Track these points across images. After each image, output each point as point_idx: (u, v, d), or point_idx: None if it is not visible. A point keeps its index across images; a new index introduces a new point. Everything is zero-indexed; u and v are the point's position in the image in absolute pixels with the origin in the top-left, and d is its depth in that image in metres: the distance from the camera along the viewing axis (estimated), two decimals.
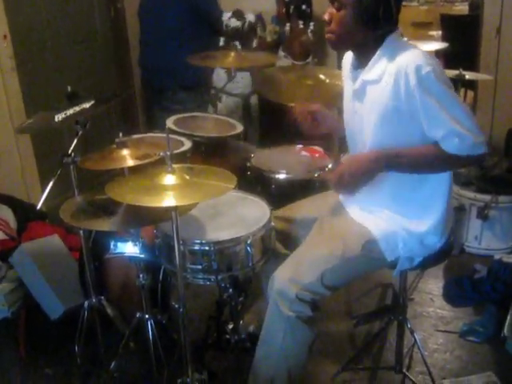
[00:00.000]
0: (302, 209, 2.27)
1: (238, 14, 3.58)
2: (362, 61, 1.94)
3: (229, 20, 3.54)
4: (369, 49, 1.88)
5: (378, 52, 1.86)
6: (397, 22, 1.86)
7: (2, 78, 3.23)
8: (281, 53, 4.02)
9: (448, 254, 2.12)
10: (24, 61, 3.47)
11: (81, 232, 2.26)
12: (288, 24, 3.90)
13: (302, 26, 3.83)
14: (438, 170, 1.92)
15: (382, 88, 1.84)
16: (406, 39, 1.99)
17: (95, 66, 4.21)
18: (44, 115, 2.27)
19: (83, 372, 2.38)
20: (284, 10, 3.85)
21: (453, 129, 1.76)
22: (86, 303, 2.34)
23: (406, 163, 1.86)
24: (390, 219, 2.00)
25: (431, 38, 5.65)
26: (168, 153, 1.72)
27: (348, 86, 2.04)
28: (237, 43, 3.38)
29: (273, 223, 2.13)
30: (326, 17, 1.88)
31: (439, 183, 1.96)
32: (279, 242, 2.21)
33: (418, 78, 1.74)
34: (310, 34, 3.90)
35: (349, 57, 2.05)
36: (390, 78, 1.81)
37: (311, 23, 3.86)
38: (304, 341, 1.99)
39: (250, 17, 3.60)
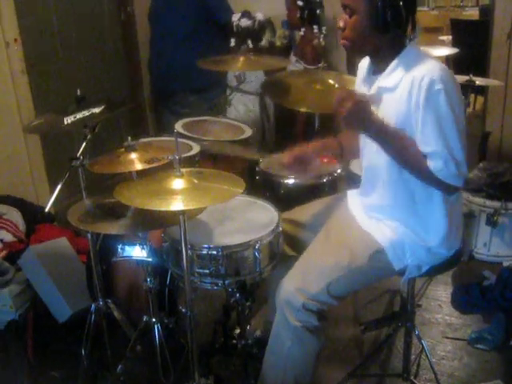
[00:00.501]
0: (309, 212, 2.27)
1: (248, 14, 3.61)
2: (378, 67, 1.94)
3: (239, 20, 3.56)
4: (385, 55, 1.89)
5: (396, 59, 1.86)
6: (412, 26, 1.86)
7: (12, 81, 3.25)
8: (292, 58, 4.02)
9: (457, 262, 2.10)
10: (34, 64, 3.49)
11: (88, 235, 2.26)
12: (302, 29, 3.90)
13: (316, 31, 3.82)
14: (411, 172, 1.88)
15: (398, 96, 1.84)
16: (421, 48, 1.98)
17: (105, 70, 4.23)
18: (53, 117, 2.29)
19: (90, 375, 2.37)
20: (298, 14, 3.84)
21: (441, 152, 1.76)
22: (93, 306, 2.33)
23: (390, 146, 1.85)
24: (398, 228, 1.98)
25: (441, 43, 5.65)
26: (176, 157, 1.72)
27: (363, 91, 2.04)
28: (249, 42, 3.40)
29: (281, 228, 2.12)
30: (340, 23, 1.88)
31: (444, 202, 1.94)
32: (286, 244, 2.21)
33: (428, 92, 1.74)
34: (321, 39, 3.90)
35: (365, 62, 2.04)
36: (405, 88, 1.81)
37: (323, 27, 3.87)
38: (311, 350, 1.99)
39: (259, 16, 3.62)
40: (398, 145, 1.85)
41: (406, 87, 1.80)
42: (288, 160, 2.20)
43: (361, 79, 2.07)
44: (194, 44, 3.58)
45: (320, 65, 3.94)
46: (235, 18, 3.59)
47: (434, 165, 1.77)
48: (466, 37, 5.22)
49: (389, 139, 1.85)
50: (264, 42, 3.80)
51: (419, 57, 1.84)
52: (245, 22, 3.55)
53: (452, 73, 1.83)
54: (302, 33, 3.89)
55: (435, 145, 1.76)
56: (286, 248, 2.22)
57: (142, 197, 1.70)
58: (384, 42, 1.86)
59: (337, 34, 4.32)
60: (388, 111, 1.88)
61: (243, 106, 3.76)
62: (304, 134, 3.88)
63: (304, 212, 2.29)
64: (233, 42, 3.56)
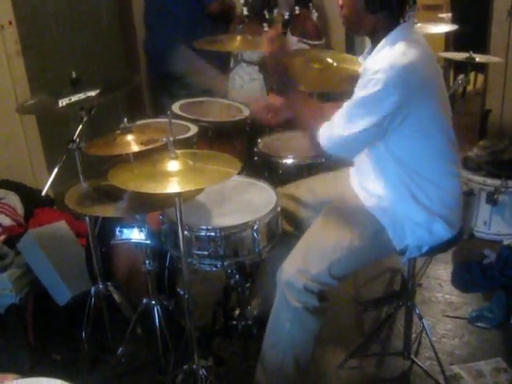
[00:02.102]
0: (310, 190, 2.26)
1: None
2: (374, 46, 1.92)
3: None
4: (378, 35, 1.87)
5: (381, 43, 1.85)
6: (408, 4, 1.84)
7: (7, 64, 3.21)
8: (293, 38, 3.97)
9: (457, 242, 2.09)
10: (29, 46, 3.45)
11: (86, 218, 2.26)
12: (297, 7, 3.86)
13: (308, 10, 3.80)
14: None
15: None
16: (418, 25, 1.95)
17: (101, 51, 4.18)
18: (47, 98, 2.27)
19: (90, 357, 2.38)
20: None
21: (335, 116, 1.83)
22: (93, 289, 2.34)
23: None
24: (398, 208, 1.97)
25: (441, 21, 5.58)
26: (171, 138, 1.70)
27: None
28: (265, 13, 3.39)
29: (279, 208, 2.11)
30: (340, 1, 1.90)
31: (444, 184, 1.95)
32: (286, 221, 2.20)
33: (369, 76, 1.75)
34: (315, 17, 3.88)
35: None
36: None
37: (310, 4, 3.84)
38: (310, 330, 1.99)
39: None
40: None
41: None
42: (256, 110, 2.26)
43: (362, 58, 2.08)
44: (190, 25, 3.53)
45: (322, 42, 3.92)
46: None
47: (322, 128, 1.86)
48: (466, 13, 5.17)
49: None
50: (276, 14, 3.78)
51: (398, 41, 1.81)
52: None
53: (412, 69, 1.76)
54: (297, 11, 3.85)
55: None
56: (285, 225, 2.21)
57: (137, 179, 1.69)
58: (378, 22, 1.85)
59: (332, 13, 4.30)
60: None
61: (247, 75, 3.75)
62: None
63: (305, 188, 2.28)
64: (245, 11, 3.53)
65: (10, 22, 3.22)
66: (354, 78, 2.18)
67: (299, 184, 2.31)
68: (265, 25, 3.53)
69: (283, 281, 1.93)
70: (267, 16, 3.29)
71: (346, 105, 1.81)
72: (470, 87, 3.96)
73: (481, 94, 4.36)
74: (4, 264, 2.64)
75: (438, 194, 1.94)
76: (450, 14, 5.82)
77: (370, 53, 1.94)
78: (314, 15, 3.85)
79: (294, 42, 3.93)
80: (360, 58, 2.09)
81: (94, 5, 4.10)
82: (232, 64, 3.77)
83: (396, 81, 1.72)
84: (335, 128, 1.83)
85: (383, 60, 1.76)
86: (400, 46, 1.79)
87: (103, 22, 4.21)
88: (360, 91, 1.78)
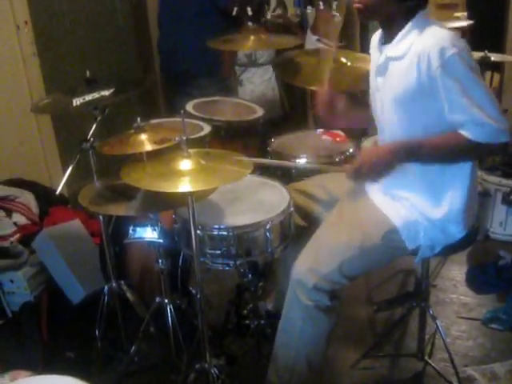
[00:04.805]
0: (322, 185, 2.25)
1: None
2: (389, 35, 1.90)
3: None
4: (397, 23, 1.85)
5: (405, 28, 1.83)
6: None
7: (23, 64, 3.24)
8: (312, 36, 3.94)
9: (471, 242, 2.07)
10: (45, 46, 3.48)
11: (100, 217, 2.27)
12: (309, 7, 3.85)
13: (321, 7, 3.76)
14: (460, 159, 1.86)
15: (405, 66, 1.81)
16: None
17: (116, 51, 4.20)
18: (61, 98, 2.29)
19: (104, 356, 2.40)
20: None
21: (473, 115, 1.72)
22: (107, 288, 2.35)
23: (427, 153, 1.82)
24: (412, 206, 1.96)
25: (457, 20, 5.54)
26: (184, 137, 1.70)
27: (373, 62, 2.02)
28: (248, 9, 3.37)
29: (292, 208, 2.11)
30: None
31: (460, 170, 1.91)
32: (297, 215, 2.19)
33: (441, 61, 1.71)
34: (336, 16, 3.85)
35: (378, 32, 2.01)
36: (413, 58, 1.77)
37: (334, 3, 3.80)
38: (322, 329, 1.98)
39: None
40: (433, 151, 1.82)
41: (415, 57, 1.77)
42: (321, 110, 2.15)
43: (373, 50, 2.05)
44: (201, 26, 3.52)
45: (342, 43, 3.88)
46: None
47: (468, 131, 1.74)
48: (482, 12, 5.14)
49: (424, 154, 1.82)
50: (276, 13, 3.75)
51: (428, 25, 1.80)
52: None
53: (462, 40, 1.78)
54: (309, 11, 3.83)
55: (465, 111, 1.72)
56: (297, 218, 2.20)
57: (150, 178, 1.70)
58: (400, 10, 1.83)
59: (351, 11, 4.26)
60: (394, 80, 1.86)
61: (258, 78, 3.75)
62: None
63: (317, 184, 2.27)
64: (235, 11, 3.52)
65: (26, 23, 3.24)
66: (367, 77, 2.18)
67: (310, 180, 2.30)
68: (249, 24, 3.47)
69: (294, 279, 1.93)
70: (250, 13, 3.24)
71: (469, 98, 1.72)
72: None
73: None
74: (19, 262, 2.67)
75: (457, 193, 1.92)
76: (465, 14, 5.78)
77: (385, 41, 1.92)
78: (335, 16, 3.82)
79: (312, 40, 3.92)
80: (374, 48, 2.04)
81: (108, 5, 4.12)
82: (240, 71, 3.77)
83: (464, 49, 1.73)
84: (490, 114, 1.72)
85: (436, 42, 1.73)
86: (437, 29, 1.79)
87: (118, 22, 4.23)
88: (447, 79, 1.72)
